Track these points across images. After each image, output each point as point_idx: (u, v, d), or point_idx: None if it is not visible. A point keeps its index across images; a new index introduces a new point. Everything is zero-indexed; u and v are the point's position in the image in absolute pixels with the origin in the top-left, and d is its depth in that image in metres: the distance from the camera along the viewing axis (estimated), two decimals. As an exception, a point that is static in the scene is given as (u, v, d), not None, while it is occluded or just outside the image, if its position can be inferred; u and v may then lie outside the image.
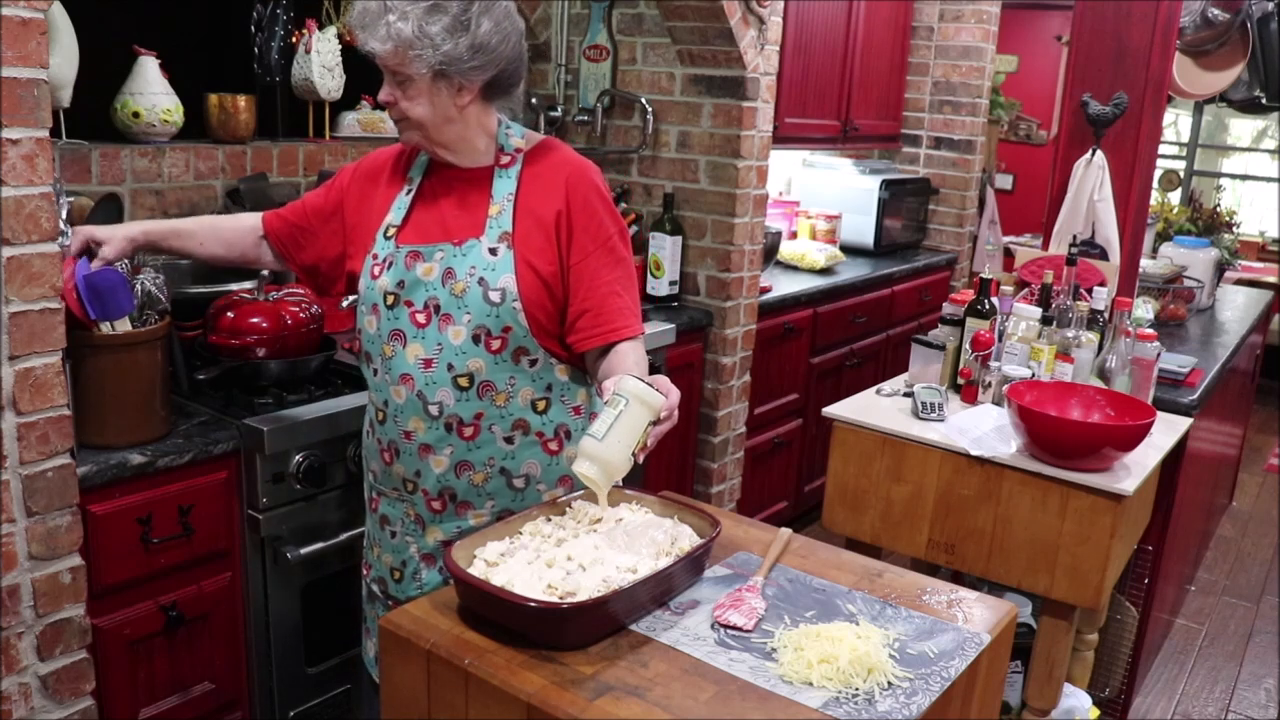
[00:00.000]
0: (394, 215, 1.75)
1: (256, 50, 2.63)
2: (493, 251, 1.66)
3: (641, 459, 1.43)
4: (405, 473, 1.74)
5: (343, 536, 2.12)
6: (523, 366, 1.69)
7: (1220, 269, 4.06)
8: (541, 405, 1.73)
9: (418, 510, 1.76)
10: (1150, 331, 2.56)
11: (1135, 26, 2.69)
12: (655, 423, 1.44)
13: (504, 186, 1.71)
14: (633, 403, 1.41)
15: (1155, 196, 4.30)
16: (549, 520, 1.48)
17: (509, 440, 1.71)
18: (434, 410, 1.68)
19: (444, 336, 1.66)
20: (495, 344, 1.66)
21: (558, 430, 1.75)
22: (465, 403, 1.68)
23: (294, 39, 2.69)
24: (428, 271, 1.68)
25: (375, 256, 1.73)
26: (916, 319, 4.58)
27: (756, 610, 1.35)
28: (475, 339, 1.65)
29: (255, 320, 2.08)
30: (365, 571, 1.90)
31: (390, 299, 1.69)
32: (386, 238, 1.73)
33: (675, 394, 1.48)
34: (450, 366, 1.66)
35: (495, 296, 1.64)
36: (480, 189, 1.72)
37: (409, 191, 1.77)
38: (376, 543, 1.85)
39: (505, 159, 1.73)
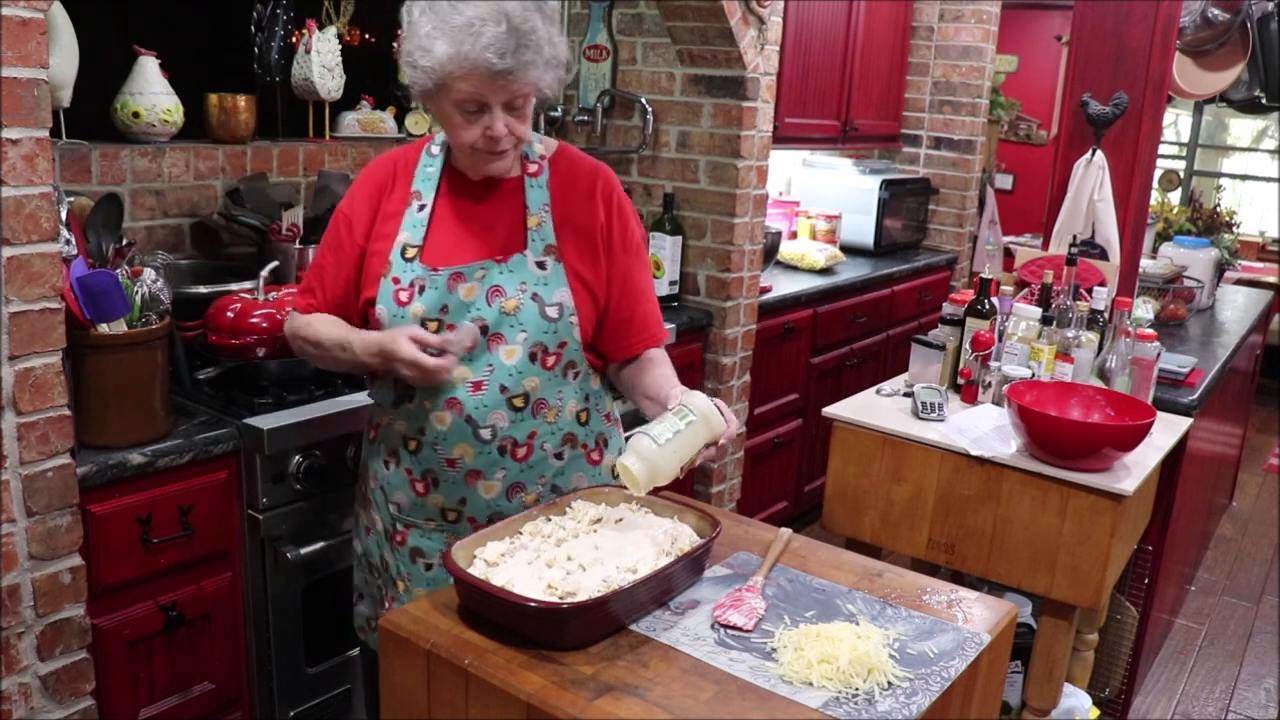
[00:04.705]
0: (410, 234, 1.64)
1: (256, 50, 2.64)
2: (540, 265, 1.62)
3: (683, 476, 1.42)
4: (446, 502, 1.66)
5: (343, 536, 2.12)
6: (569, 379, 1.66)
7: (1220, 269, 4.05)
8: (584, 416, 1.70)
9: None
10: (1150, 331, 2.55)
11: (1135, 26, 2.69)
12: (708, 445, 1.43)
13: (538, 197, 1.66)
14: (699, 420, 1.40)
15: (1155, 196, 4.29)
16: (549, 520, 1.48)
17: (559, 456, 1.67)
18: (485, 434, 1.61)
19: (495, 357, 1.60)
20: (550, 360, 1.62)
21: (598, 440, 1.73)
22: (520, 423, 1.62)
23: (294, 39, 2.69)
24: (469, 292, 1.60)
25: (397, 280, 1.62)
26: (916, 319, 4.58)
27: (756, 610, 1.35)
28: (532, 357, 1.60)
29: (255, 320, 2.08)
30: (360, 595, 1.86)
31: (433, 326, 1.59)
32: (406, 259, 1.62)
33: (735, 424, 1.47)
34: (504, 388, 1.60)
35: (553, 312, 1.60)
36: (512, 200, 1.66)
37: (422, 208, 1.65)
38: (404, 577, 1.72)
39: (532, 167, 1.68)
